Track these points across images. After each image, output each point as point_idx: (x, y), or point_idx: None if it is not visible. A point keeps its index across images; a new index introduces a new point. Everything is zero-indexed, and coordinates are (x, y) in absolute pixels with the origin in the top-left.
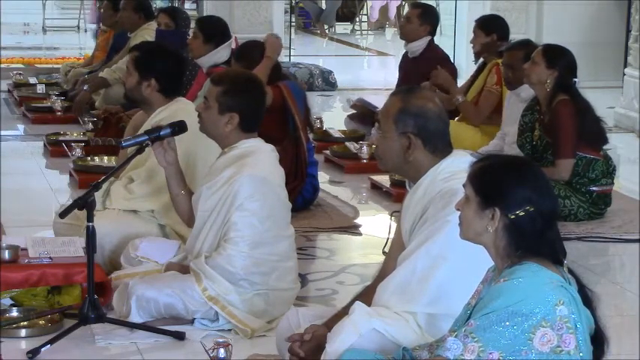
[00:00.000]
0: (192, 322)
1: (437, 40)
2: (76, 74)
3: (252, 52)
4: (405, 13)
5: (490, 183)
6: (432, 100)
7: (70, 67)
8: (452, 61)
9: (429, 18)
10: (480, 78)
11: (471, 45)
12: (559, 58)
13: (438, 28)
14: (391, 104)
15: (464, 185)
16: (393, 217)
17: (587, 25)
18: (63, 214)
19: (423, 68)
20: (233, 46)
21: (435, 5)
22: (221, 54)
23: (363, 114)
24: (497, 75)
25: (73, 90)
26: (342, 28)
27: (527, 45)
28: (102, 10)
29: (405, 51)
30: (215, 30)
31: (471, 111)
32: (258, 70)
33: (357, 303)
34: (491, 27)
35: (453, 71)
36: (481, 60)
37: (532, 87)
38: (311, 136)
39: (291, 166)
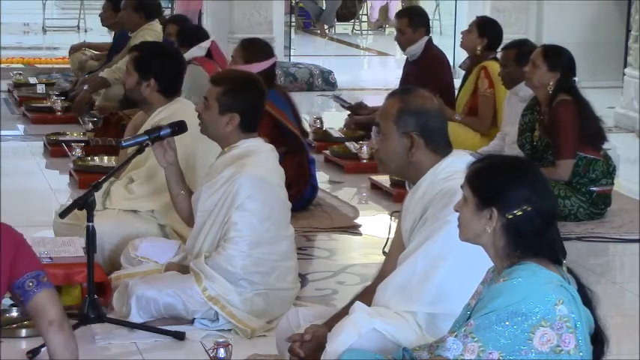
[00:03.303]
0: (192, 322)
1: (437, 40)
2: (90, 66)
3: (255, 45)
4: (395, 25)
5: (487, 183)
6: (430, 98)
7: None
8: (448, 60)
9: (419, 21)
10: (469, 82)
11: (460, 35)
12: (560, 60)
13: (438, 28)
14: (390, 105)
15: (462, 186)
16: (393, 217)
17: (587, 25)
18: (63, 214)
19: (420, 69)
20: (206, 45)
21: (434, 6)
22: (186, 57)
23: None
24: (487, 79)
25: (73, 90)
26: (342, 28)
27: (521, 44)
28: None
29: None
30: (184, 34)
31: (474, 122)
32: None
33: (358, 303)
34: (486, 31)
35: (446, 72)
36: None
37: (533, 89)
38: (311, 136)
39: (297, 174)
